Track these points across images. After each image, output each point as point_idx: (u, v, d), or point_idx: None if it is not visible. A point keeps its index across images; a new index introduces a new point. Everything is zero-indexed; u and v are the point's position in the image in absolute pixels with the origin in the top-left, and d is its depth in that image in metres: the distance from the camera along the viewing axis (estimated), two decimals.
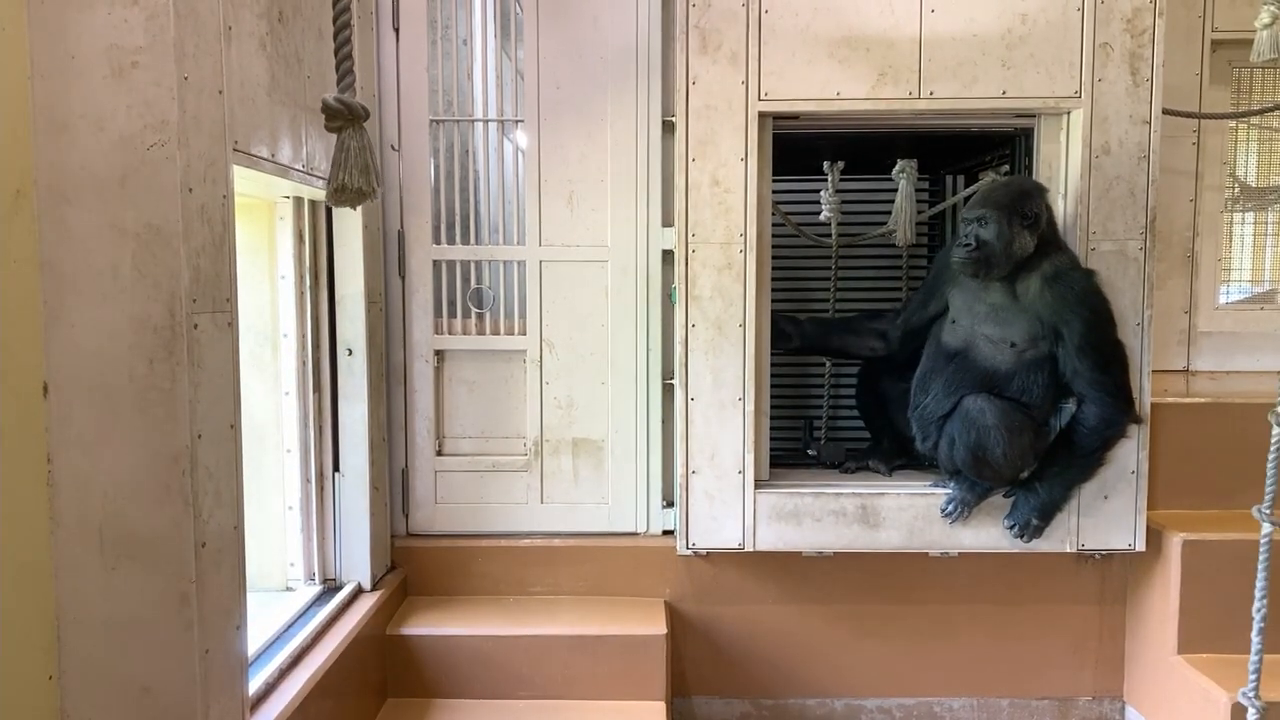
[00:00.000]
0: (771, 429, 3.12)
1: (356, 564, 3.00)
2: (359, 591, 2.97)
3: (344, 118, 1.97)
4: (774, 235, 3.08)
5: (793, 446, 3.66)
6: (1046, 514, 2.87)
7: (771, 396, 3.10)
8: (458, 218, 3.25)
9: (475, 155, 3.29)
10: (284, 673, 2.38)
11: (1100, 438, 2.80)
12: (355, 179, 1.98)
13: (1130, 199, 2.87)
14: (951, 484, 2.91)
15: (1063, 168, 2.95)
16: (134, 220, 1.81)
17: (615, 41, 3.14)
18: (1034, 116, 2.97)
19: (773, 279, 3.06)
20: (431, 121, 3.19)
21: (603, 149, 3.17)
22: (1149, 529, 2.95)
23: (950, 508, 2.89)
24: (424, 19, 3.14)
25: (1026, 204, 2.71)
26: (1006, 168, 3.24)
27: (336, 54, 1.99)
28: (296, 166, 2.46)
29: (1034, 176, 2.99)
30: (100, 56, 1.79)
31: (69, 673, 1.83)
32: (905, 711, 3.27)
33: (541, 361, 3.22)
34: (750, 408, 2.94)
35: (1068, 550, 2.96)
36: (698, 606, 3.20)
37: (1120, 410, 2.78)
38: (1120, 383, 2.78)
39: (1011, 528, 2.89)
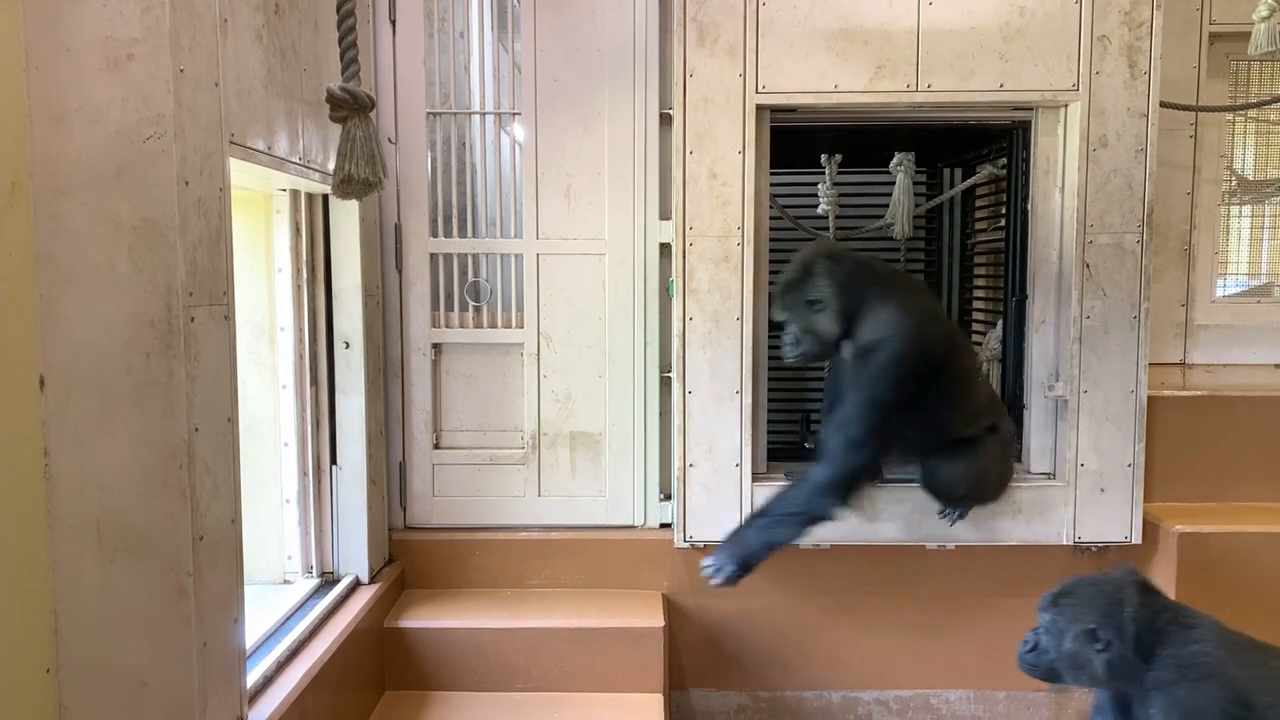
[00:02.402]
0: (769, 422, 3.13)
1: (354, 557, 3.00)
2: (357, 584, 2.98)
3: (349, 107, 1.96)
4: (771, 228, 3.08)
5: (790, 440, 3.66)
6: (748, 567, 2.62)
7: (769, 390, 3.10)
8: (455, 211, 3.24)
9: (472, 148, 3.28)
10: (282, 665, 2.39)
11: (808, 498, 2.57)
12: (362, 169, 1.97)
13: (1127, 192, 2.87)
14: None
15: (1060, 160, 2.95)
16: (130, 213, 1.81)
17: (612, 34, 3.13)
18: (1031, 109, 2.97)
19: (770, 272, 3.06)
20: (428, 114, 3.18)
21: (600, 142, 3.16)
22: (1145, 521, 2.96)
23: (949, 511, 2.91)
24: (420, 11, 3.13)
25: (811, 293, 2.59)
26: (1004, 161, 3.23)
27: (341, 43, 1.98)
28: (293, 159, 2.45)
29: (1031, 169, 2.99)
30: (95, 49, 1.78)
31: (67, 666, 1.83)
32: (902, 704, 3.28)
33: (539, 355, 3.22)
34: (748, 401, 2.94)
35: (1064, 543, 2.97)
36: (695, 599, 3.21)
37: (831, 478, 2.56)
38: (840, 445, 2.56)
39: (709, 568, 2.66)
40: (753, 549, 2.61)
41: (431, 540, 3.25)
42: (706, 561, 2.63)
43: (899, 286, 2.68)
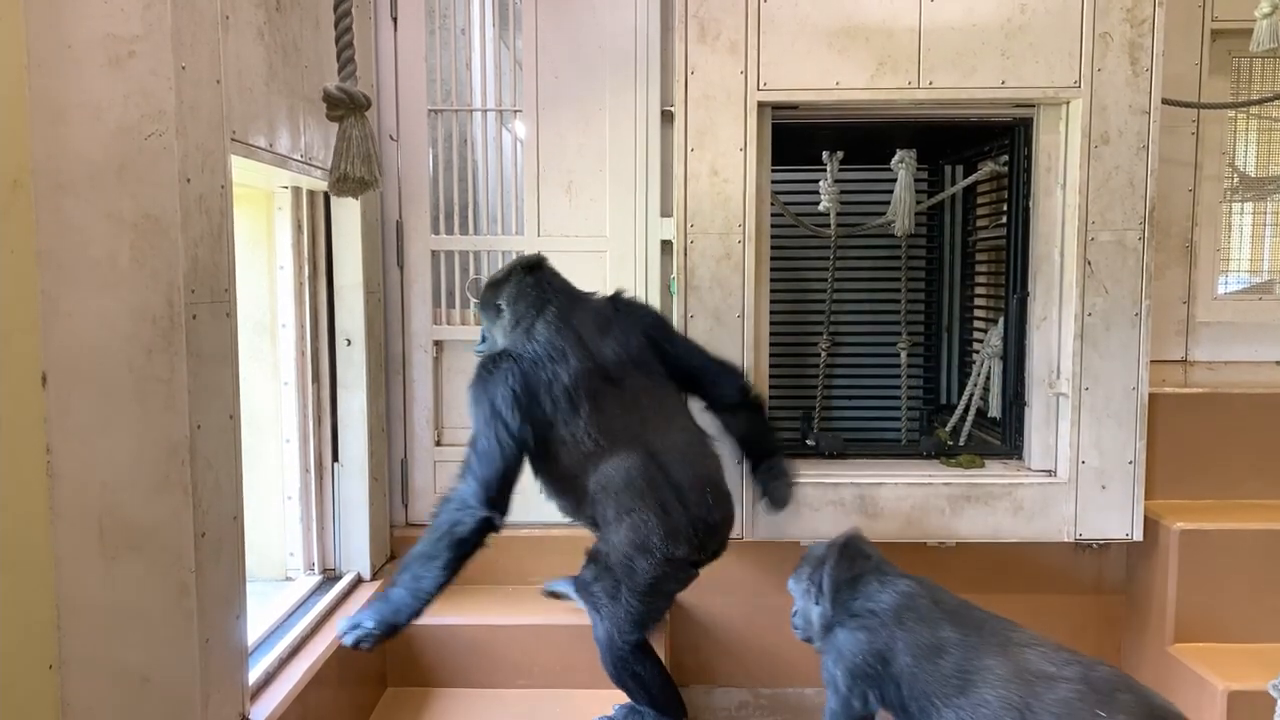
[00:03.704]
0: (770, 419, 3.12)
1: (356, 554, 3.01)
2: (358, 581, 2.98)
3: (346, 106, 1.97)
4: (773, 225, 3.08)
5: (791, 437, 3.66)
6: (394, 628, 2.32)
7: (770, 386, 3.10)
8: (456, 208, 3.24)
9: (474, 145, 3.28)
10: (284, 662, 2.39)
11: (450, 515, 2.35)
12: (357, 168, 1.98)
13: (1129, 189, 2.87)
14: None
15: (1061, 158, 2.95)
16: (132, 210, 1.81)
17: (614, 30, 3.13)
18: (1033, 106, 2.96)
19: (771, 269, 3.06)
20: (430, 111, 3.18)
21: (601, 139, 3.16)
22: (1146, 518, 2.96)
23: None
24: (422, 8, 3.13)
25: (499, 298, 2.52)
26: (1005, 158, 3.23)
27: (337, 42, 1.98)
28: (295, 156, 2.45)
29: (1032, 166, 2.98)
30: (97, 46, 1.78)
31: (69, 662, 1.84)
32: None
33: None
34: None
35: (1065, 540, 2.97)
36: (695, 596, 3.20)
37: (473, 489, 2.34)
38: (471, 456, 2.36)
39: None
40: (398, 604, 2.30)
41: None
42: (340, 623, 2.35)
43: (571, 314, 2.48)
